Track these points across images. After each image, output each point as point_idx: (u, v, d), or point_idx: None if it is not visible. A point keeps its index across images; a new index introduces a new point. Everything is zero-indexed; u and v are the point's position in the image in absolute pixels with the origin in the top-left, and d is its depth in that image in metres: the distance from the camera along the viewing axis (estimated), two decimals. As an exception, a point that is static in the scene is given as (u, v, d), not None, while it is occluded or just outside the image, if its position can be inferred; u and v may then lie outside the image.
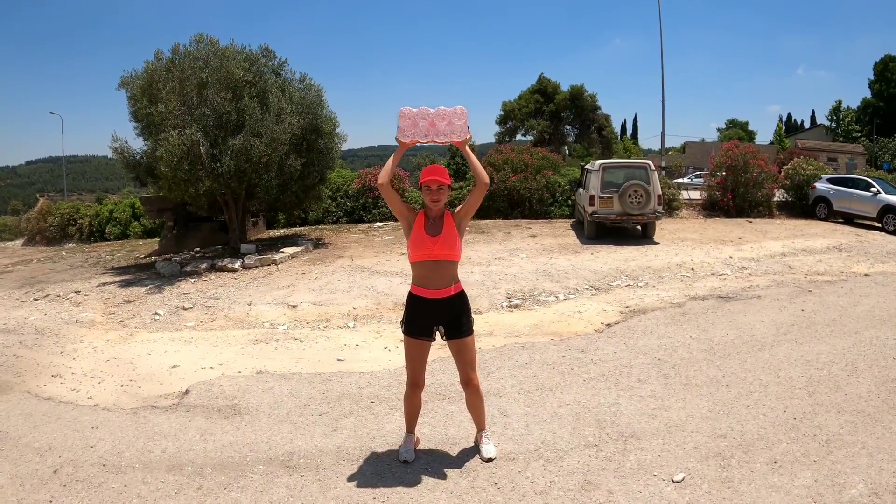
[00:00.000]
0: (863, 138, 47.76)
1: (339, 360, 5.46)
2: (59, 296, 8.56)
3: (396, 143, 3.38)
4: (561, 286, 8.08)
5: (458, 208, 3.42)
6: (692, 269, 9.07)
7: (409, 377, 3.45)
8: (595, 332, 6.00)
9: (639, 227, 12.81)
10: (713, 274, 8.70)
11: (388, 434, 3.84)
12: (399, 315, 7.46)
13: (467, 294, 3.51)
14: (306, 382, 4.81)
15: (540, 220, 15.31)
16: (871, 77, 50.95)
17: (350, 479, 3.31)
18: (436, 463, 3.47)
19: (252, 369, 5.21)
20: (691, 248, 10.90)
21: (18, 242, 20.60)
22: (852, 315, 6.31)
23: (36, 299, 8.43)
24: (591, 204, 12.02)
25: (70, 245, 17.99)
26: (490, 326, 6.32)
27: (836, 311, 6.51)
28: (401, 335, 3.63)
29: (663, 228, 12.99)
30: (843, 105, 52.68)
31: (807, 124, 73.57)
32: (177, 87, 9.90)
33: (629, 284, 8.14)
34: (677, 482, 3.17)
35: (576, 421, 3.91)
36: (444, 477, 3.29)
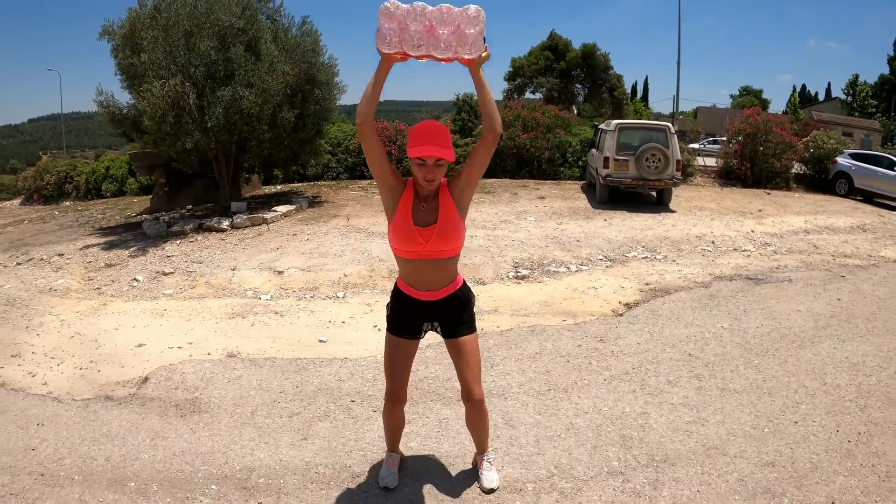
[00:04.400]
0: (879, 115, 46.28)
1: (320, 340, 4.81)
2: (42, 259, 7.99)
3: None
4: (573, 256, 7.35)
5: (458, 176, 2.47)
6: (712, 242, 8.39)
7: (387, 388, 2.63)
8: (613, 315, 5.32)
9: (653, 193, 12.00)
10: (735, 249, 8.05)
11: (368, 447, 3.19)
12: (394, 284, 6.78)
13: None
14: (279, 371, 4.18)
15: (549, 181, 14.46)
16: (891, 53, 49.37)
17: (317, 509, 2.70)
18: (424, 492, 2.81)
19: (223, 350, 4.61)
20: (710, 219, 10.16)
21: (16, 202, 20.00)
22: (892, 308, 5.73)
23: (19, 263, 7.88)
24: (605, 166, 11.17)
25: (66, 203, 17.30)
26: (495, 301, 5.63)
27: (874, 302, 5.94)
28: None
29: (679, 196, 12.17)
30: (860, 80, 51.03)
31: (821, 96, 71.38)
32: (161, 36, 8.99)
33: (646, 257, 7.43)
34: (723, 530, 2.55)
35: (596, 437, 3.25)
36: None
